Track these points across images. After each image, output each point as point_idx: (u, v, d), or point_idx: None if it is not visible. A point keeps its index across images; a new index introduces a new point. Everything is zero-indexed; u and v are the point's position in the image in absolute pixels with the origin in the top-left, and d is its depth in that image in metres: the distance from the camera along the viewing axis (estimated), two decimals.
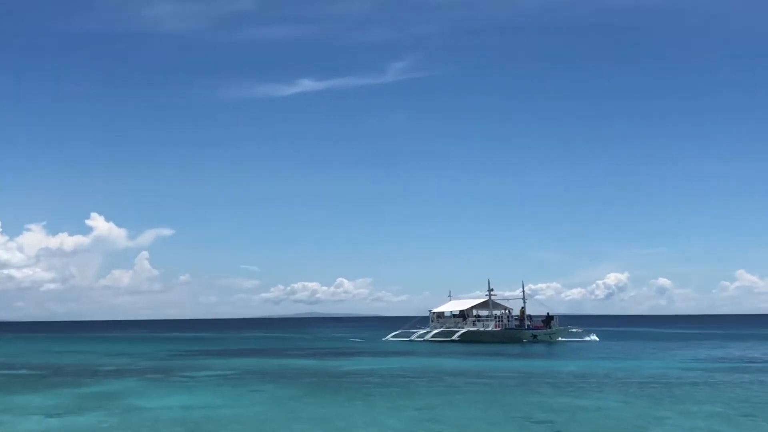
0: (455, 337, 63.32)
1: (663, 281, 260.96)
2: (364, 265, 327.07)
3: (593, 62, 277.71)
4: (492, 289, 66.01)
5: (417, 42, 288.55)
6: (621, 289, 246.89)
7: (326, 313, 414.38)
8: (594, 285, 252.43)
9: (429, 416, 19.64)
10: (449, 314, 69.67)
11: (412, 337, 67.60)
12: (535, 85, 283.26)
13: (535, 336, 63.65)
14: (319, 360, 43.92)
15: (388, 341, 68.04)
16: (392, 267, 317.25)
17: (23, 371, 36.84)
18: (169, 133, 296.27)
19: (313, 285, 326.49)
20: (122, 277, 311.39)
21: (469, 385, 27.87)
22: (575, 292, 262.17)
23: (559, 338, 64.98)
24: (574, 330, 68.77)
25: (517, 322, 65.72)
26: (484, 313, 66.94)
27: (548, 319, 66.11)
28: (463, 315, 67.54)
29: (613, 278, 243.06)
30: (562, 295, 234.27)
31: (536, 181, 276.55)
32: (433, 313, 71.15)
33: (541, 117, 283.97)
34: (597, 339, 66.85)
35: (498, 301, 67.14)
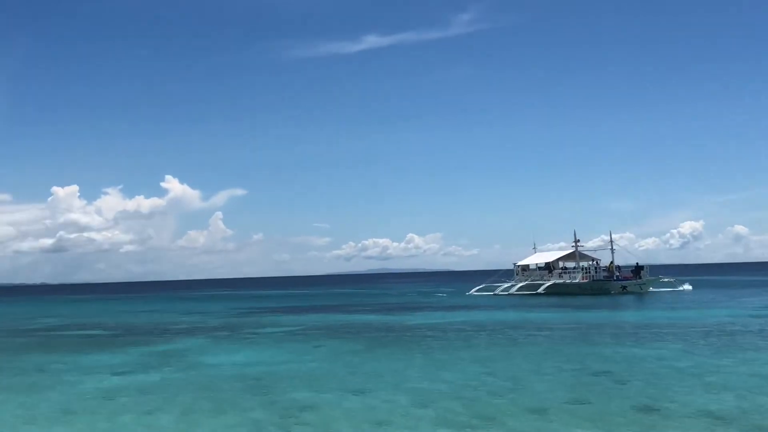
0: (541, 290, 62.09)
1: (739, 228, 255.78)
2: (434, 221, 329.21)
3: (665, 8, 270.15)
4: (578, 240, 64.52)
5: None
6: (696, 237, 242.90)
7: (397, 269, 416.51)
8: (668, 234, 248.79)
9: (484, 369, 19.74)
10: (534, 267, 68.28)
11: (497, 291, 66.23)
12: (603, 32, 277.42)
13: (624, 287, 61.67)
14: (384, 315, 44.38)
15: (472, 295, 67.02)
16: (462, 221, 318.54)
17: (96, 331, 38.11)
18: (239, 94, 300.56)
19: (384, 241, 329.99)
20: (198, 237, 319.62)
21: (530, 337, 27.90)
22: (649, 242, 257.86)
23: (650, 289, 63.11)
24: (666, 280, 66.83)
25: (605, 273, 63.59)
26: (570, 264, 65.52)
27: (638, 269, 64.15)
28: (549, 267, 66.08)
29: (687, 227, 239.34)
30: (636, 245, 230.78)
31: (607, 130, 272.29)
32: (518, 266, 69.73)
33: (612, 64, 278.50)
34: (690, 288, 64.85)
35: (585, 252, 65.40)
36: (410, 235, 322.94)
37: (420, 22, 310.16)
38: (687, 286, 65.46)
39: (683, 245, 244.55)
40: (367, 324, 37.17)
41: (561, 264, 66.45)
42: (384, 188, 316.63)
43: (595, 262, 64.67)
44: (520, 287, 64.91)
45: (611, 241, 63.65)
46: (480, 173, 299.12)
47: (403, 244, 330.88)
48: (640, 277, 63.36)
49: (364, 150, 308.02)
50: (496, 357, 22.24)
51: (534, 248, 71.02)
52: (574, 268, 64.34)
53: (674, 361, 20.24)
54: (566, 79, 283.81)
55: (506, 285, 66.98)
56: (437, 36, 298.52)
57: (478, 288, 70.81)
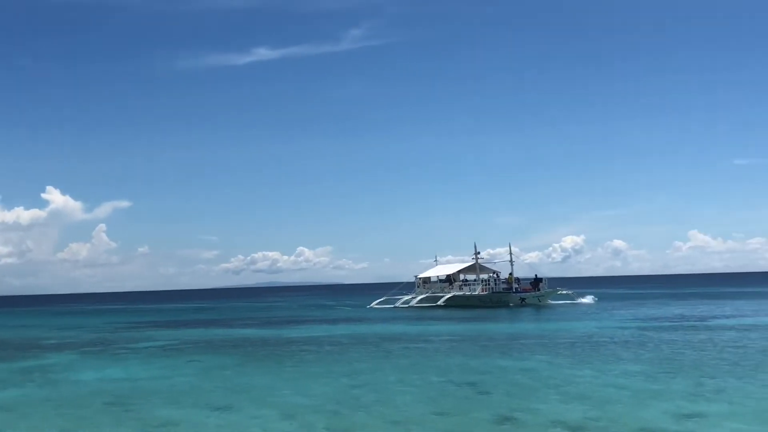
0: (440, 302, 61.94)
1: (618, 243, 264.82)
2: (324, 234, 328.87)
3: (553, 28, 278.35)
4: (479, 252, 64.64)
5: (373, 9, 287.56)
6: (577, 251, 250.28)
7: (287, 282, 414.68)
8: (551, 248, 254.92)
9: (352, 382, 19.79)
10: (435, 279, 68.25)
11: (397, 304, 65.94)
12: (491, 51, 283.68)
13: (523, 299, 61.95)
14: (266, 329, 43.92)
15: (372, 308, 66.06)
16: (352, 235, 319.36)
17: None
18: (125, 104, 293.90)
19: (273, 254, 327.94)
20: (80, 250, 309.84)
21: (406, 349, 28.08)
22: (532, 256, 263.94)
23: (549, 301, 63.55)
24: (564, 292, 67.34)
25: (505, 286, 63.93)
26: (471, 277, 65.67)
27: (536, 281, 64.46)
28: (450, 279, 66.10)
29: (569, 241, 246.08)
30: (520, 258, 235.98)
31: (494, 147, 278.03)
32: (419, 278, 69.59)
33: (498, 82, 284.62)
34: (591, 300, 65.22)
35: (485, 265, 65.58)
36: (300, 248, 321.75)
37: (311, 37, 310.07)
38: (586, 299, 65.77)
39: (565, 259, 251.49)
40: (247, 338, 36.75)
41: (462, 276, 66.60)
42: (274, 200, 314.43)
43: (495, 274, 64.88)
44: (421, 300, 64.78)
45: (510, 254, 63.93)
46: (369, 187, 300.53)
47: (293, 257, 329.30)
48: (538, 290, 63.60)
49: (254, 161, 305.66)
50: (366, 369, 22.32)
51: (435, 260, 71.16)
52: (475, 280, 64.55)
53: (537, 372, 20.76)
54: (453, 97, 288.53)
55: (407, 297, 66.90)
56: (328, 50, 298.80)
57: (378, 301, 70.44)
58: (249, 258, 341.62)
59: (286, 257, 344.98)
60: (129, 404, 17.31)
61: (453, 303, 61.95)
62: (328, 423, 14.54)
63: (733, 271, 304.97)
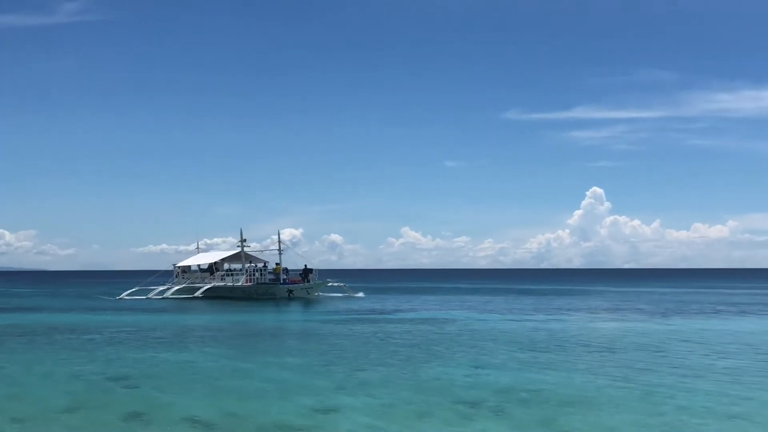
0: (198, 293, 58.05)
1: (334, 237, 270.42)
2: (27, 217, 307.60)
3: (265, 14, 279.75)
4: (245, 240, 60.80)
5: None
6: (295, 244, 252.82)
7: None
8: (269, 240, 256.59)
9: None
10: (196, 268, 64.04)
11: (150, 295, 60.41)
12: (212, 34, 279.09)
13: (290, 291, 58.69)
14: None
15: (123, 299, 59.65)
16: (59, 219, 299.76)
17: None
18: None
19: None
20: None
21: (70, 341, 26.70)
22: (252, 247, 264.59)
23: (318, 293, 60.80)
24: (335, 284, 63.31)
25: (272, 276, 60.36)
26: (238, 266, 61.51)
27: (306, 272, 60.44)
28: (212, 269, 61.94)
29: (287, 233, 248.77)
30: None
31: (215, 134, 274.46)
32: (178, 267, 64.98)
33: (217, 68, 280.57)
34: (362, 295, 63.86)
35: (252, 254, 61.69)
36: (0, 230, 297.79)
37: (21, 6, 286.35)
38: (359, 294, 64.27)
39: (284, 251, 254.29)
40: None
41: (226, 265, 62.86)
42: None
43: (263, 264, 61.23)
44: (177, 290, 60.46)
45: (279, 242, 60.64)
46: (79, 170, 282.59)
47: None
48: (308, 281, 60.18)
49: None
50: (14, 361, 20.98)
51: (197, 248, 67.32)
52: (240, 269, 60.79)
53: (197, 365, 20.41)
54: (173, 79, 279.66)
55: (162, 288, 61.80)
56: (40, 22, 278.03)
57: (129, 291, 64.28)
58: None
59: None
60: None
61: (213, 294, 58.47)
62: None
63: (440, 268, 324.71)
